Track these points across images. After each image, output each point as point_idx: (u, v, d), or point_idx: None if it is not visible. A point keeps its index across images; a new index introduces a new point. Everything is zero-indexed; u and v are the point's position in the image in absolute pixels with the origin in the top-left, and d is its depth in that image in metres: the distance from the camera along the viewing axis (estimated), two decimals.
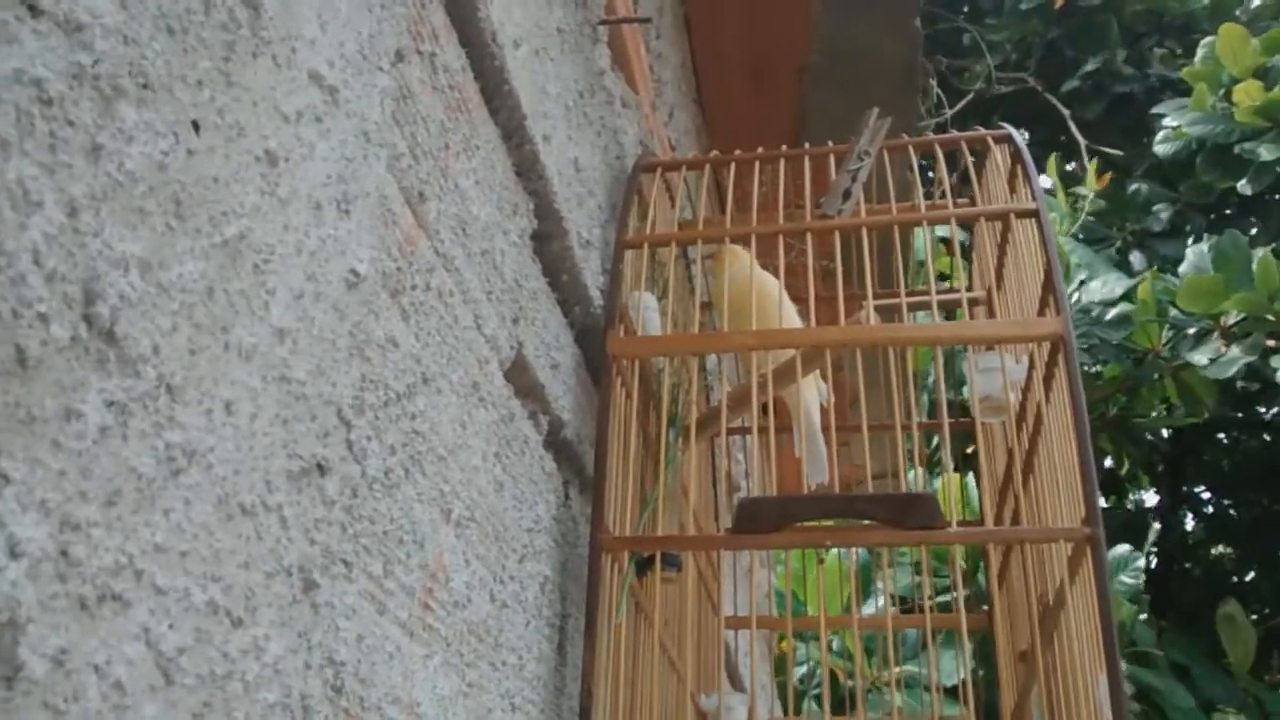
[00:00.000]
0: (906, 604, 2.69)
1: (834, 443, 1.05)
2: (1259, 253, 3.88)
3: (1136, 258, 4.89)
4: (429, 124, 0.72)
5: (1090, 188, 4.69)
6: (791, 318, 1.15)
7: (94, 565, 0.38)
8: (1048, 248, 1.02)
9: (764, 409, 1.16)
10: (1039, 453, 1.05)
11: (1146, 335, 4.14)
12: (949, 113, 5.02)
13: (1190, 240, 4.46)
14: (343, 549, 0.56)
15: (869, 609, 3.17)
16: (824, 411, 1.22)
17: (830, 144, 1.21)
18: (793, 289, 1.18)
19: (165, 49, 0.43)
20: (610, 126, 1.23)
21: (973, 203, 1.17)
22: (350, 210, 0.58)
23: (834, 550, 1.57)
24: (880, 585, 2.89)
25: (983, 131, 1.19)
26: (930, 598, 1.14)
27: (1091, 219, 4.85)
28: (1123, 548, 3.95)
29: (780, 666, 2.53)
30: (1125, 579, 3.82)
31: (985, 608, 1.25)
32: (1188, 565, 6.04)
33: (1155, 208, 5.11)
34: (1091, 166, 4.78)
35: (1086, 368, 4.31)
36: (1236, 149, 4.52)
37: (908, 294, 1.11)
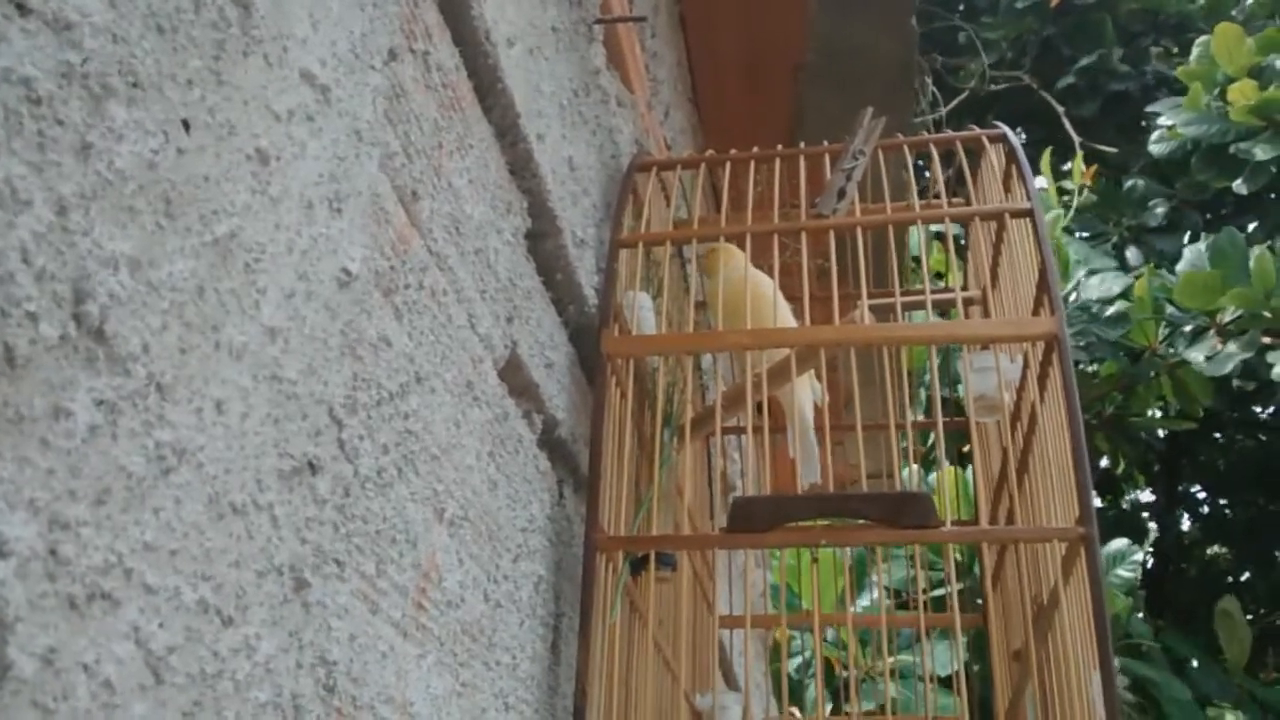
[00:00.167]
0: (901, 597, 2.69)
1: (828, 442, 1.05)
2: (1256, 250, 3.89)
3: (1133, 253, 4.90)
4: (422, 123, 0.71)
5: (1077, 180, 4.69)
6: (786, 317, 1.15)
7: (83, 564, 0.38)
8: (1042, 247, 1.02)
9: (759, 408, 1.16)
10: (1033, 452, 1.06)
11: (1143, 333, 4.15)
12: (944, 110, 5.02)
13: (1187, 236, 4.47)
14: (335, 548, 0.56)
15: (864, 601, 3.18)
16: (818, 411, 1.22)
17: (825, 143, 1.21)
18: (788, 288, 1.18)
19: (155, 47, 0.43)
20: (605, 125, 1.23)
21: (968, 202, 1.17)
22: (342, 209, 0.58)
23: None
24: (875, 579, 2.89)
25: (978, 131, 1.19)
26: (925, 591, 1.14)
27: (1087, 214, 4.85)
28: (1119, 542, 3.96)
29: (774, 653, 2.54)
30: (1122, 573, 3.83)
31: (980, 601, 1.25)
32: (1183, 565, 6.05)
33: (1151, 203, 5.12)
34: (1076, 159, 4.78)
35: (1083, 366, 4.32)
36: (1231, 149, 4.53)
37: (903, 293, 1.11)
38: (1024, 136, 5.79)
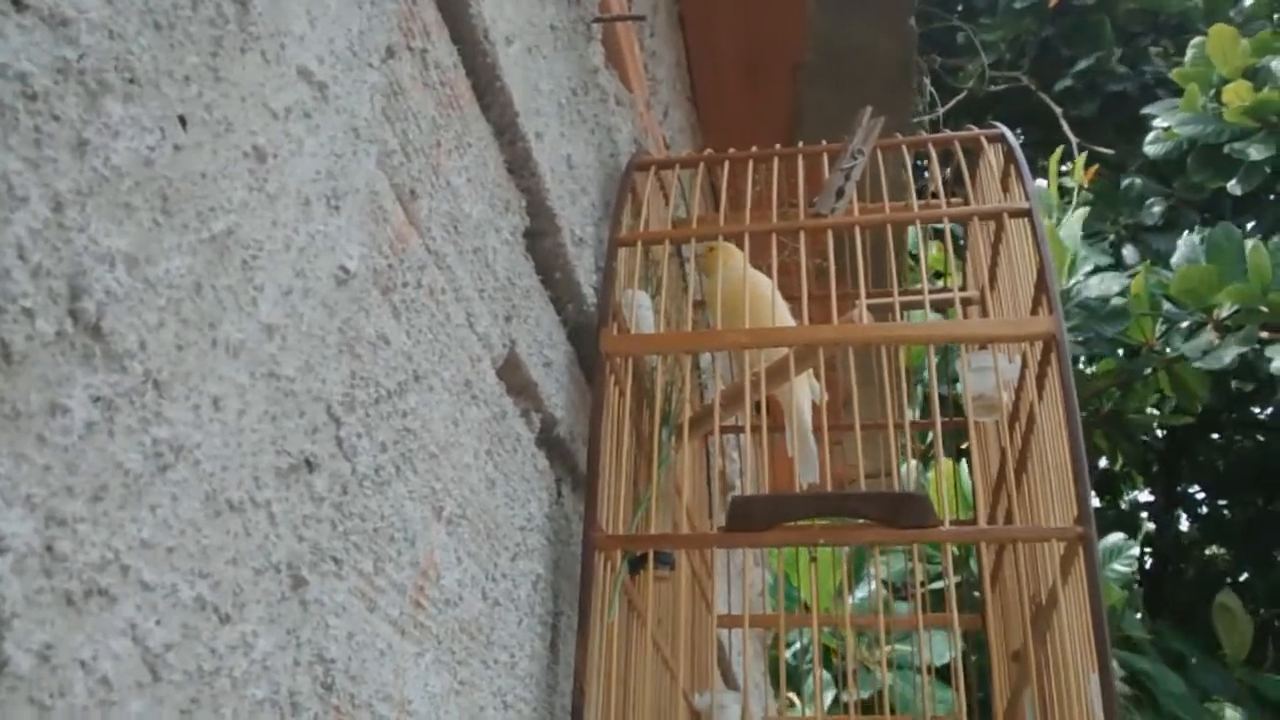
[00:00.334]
0: (899, 591, 2.69)
1: (826, 442, 1.05)
2: (1251, 244, 3.89)
3: (1130, 252, 4.90)
4: (420, 121, 0.71)
5: (1078, 180, 4.70)
6: (784, 316, 1.15)
7: (80, 561, 0.38)
8: (1040, 247, 1.02)
9: (757, 408, 1.16)
10: (1032, 452, 1.06)
11: (1140, 329, 4.15)
12: (942, 111, 5.02)
13: (1184, 235, 4.47)
14: (332, 546, 0.56)
15: (861, 592, 3.18)
16: (816, 410, 1.22)
17: (824, 142, 1.21)
18: (786, 288, 1.18)
19: (152, 44, 0.43)
20: (604, 124, 1.23)
21: (966, 202, 1.17)
22: (340, 207, 0.58)
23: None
24: (872, 571, 2.89)
25: (976, 131, 1.19)
26: (922, 584, 1.14)
27: (1086, 210, 4.86)
28: (1116, 536, 3.97)
29: (773, 641, 2.54)
30: (1118, 567, 3.84)
31: (977, 594, 1.25)
32: (1182, 566, 6.05)
33: (1149, 203, 5.12)
34: (1079, 160, 4.78)
35: (1081, 366, 4.32)
36: (1226, 149, 4.54)
37: (901, 293, 1.11)
38: (1022, 137, 5.79)
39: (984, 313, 1.23)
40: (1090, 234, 4.79)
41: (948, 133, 1.26)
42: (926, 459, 3.49)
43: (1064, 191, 4.65)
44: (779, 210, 1.12)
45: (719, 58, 1.86)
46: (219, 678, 0.45)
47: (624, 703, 0.99)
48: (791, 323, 1.16)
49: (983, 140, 1.17)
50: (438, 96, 0.75)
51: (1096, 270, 4.24)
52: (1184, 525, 6.26)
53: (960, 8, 6.12)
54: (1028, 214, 1.06)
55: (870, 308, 1.06)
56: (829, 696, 2.93)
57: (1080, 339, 4.03)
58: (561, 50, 1.08)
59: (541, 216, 0.98)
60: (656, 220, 1.22)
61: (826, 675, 3.02)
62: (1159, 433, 5.64)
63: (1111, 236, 5.04)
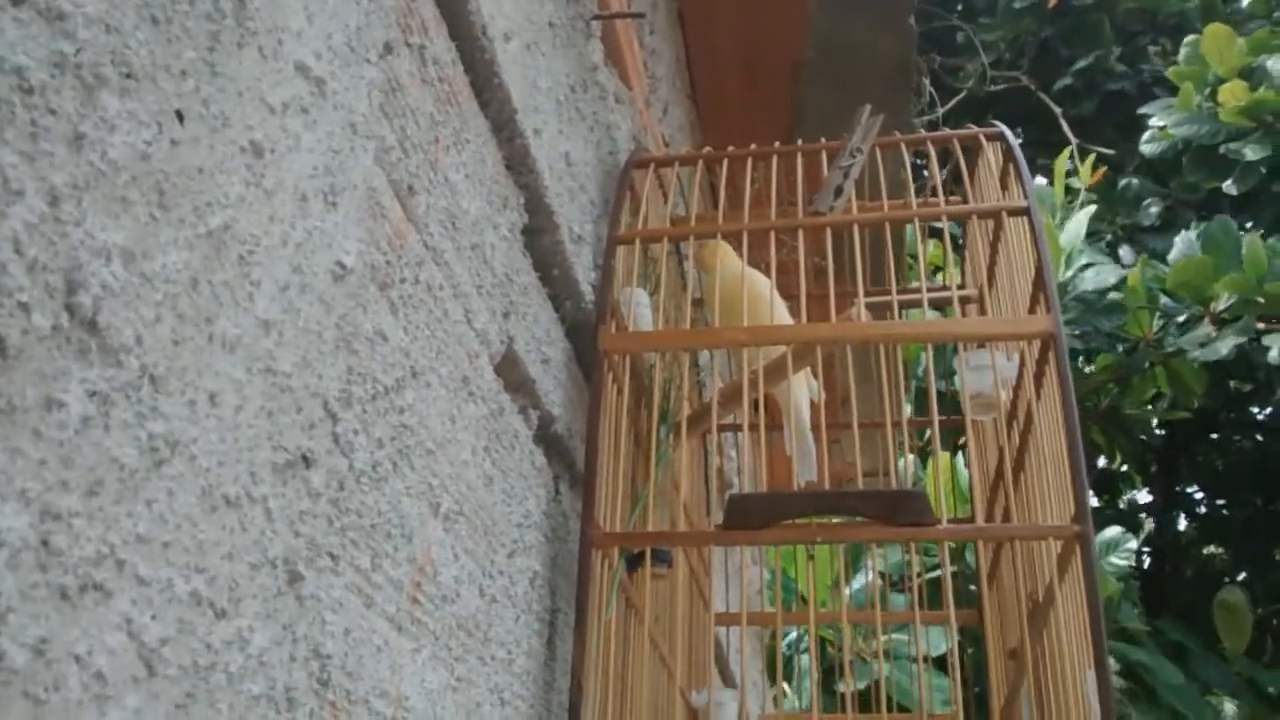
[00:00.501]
0: (896, 583, 2.69)
1: (824, 440, 1.05)
2: (1248, 236, 3.90)
3: (1126, 252, 4.91)
4: (418, 117, 0.71)
5: (1084, 181, 4.70)
6: (782, 314, 1.15)
7: (75, 555, 0.38)
8: (1039, 246, 1.02)
9: (756, 406, 1.16)
10: (1029, 450, 1.06)
11: (1138, 323, 4.15)
12: (941, 111, 5.02)
13: (1181, 233, 4.47)
14: (329, 542, 0.56)
15: (858, 583, 3.18)
16: (814, 408, 1.22)
17: (823, 141, 1.21)
18: (784, 286, 1.18)
19: (149, 38, 0.43)
20: (603, 122, 1.23)
21: (965, 201, 1.17)
22: (337, 202, 0.58)
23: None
24: (869, 563, 2.90)
25: (975, 129, 1.19)
26: (919, 574, 1.14)
27: (1093, 209, 4.86)
28: (1113, 530, 3.97)
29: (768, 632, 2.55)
30: (1115, 560, 3.85)
31: (974, 588, 1.25)
32: (1181, 565, 6.06)
33: (1146, 202, 5.12)
34: (1088, 162, 4.78)
35: (1079, 363, 4.32)
36: (1222, 149, 4.54)
37: (899, 291, 1.11)
38: (1022, 137, 5.79)
39: (982, 311, 1.23)
40: (1088, 234, 4.79)
41: (946, 131, 1.26)
42: (925, 454, 3.50)
43: (1070, 191, 4.66)
44: (778, 208, 1.12)
45: (719, 55, 1.86)
46: (214, 673, 0.45)
47: (621, 700, 0.99)
48: (790, 321, 1.16)
49: (981, 139, 1.17)
50: (436, 93, 0.75)
51: (1093, 264, 4.24)
52: (1182, 525, 6.27)
53: (960, 7, 6.12)
54: (1026, 212, 1.06)
55: (869, 306, 1.06)
56: (826, 685, 2.93)
57: (1077, 332, 4.03)
58: (560, 47, 1.08)
59: (540, 214, 0.98)
60: (655, 218, 1.22)
61: (823, 668, 3.03)
62: (1158, 432, 5.64)
63: (1109, 237, 5.04)
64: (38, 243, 0.37)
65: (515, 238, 0.93)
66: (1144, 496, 6.38)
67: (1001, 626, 1.21)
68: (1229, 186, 4.58)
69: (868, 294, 1.05)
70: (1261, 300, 3.83)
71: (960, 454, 3.07)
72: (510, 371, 0.90)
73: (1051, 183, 4.61)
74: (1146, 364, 4.24)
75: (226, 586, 0.46)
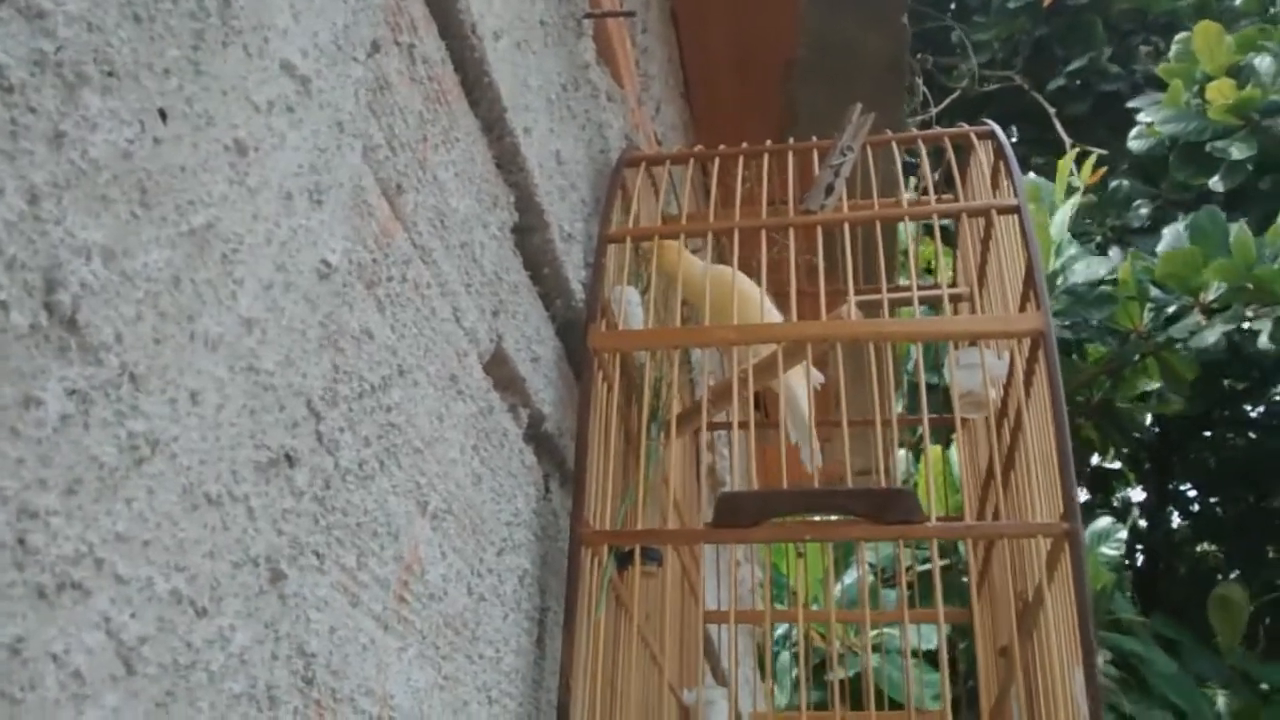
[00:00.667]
0: (889, 579, 2.69)
1: (816, 438, 1.05)
2: (1235, 226, 3.91)
3: (1115, 254, 4.91)
4: (407, 115, 0.71)
5: (1083, 181, 4.70)
6: (771, 312, 1.15)
7: (53, 554, 0.37)
8: (1029, 244, 1.02)
9: (753, 402, 1.16)
10: (1019, 448, 1.06)
11: (1128, 315, 4.16)
12: (934, 110, 5.02)
13: (1169, 226, 4.48)
14: (314, 540, 0.56)
15: (849, 578, 3.19)
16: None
17: (815, 139, 1.21)
18: (775, 284, 1.18)
19: (131, 36, 0.43)
20: (594, 120, 1.23)
21: (956, 199, 1.17)
22: (323, 201, 0.58)
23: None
24: (859, 558, 2.90)
25: (966, 128, 1.20)
26: (909, 569, 1.14)
27: (1079, 199, 4.86)
28: (1104, 520, 3.98)
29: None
30: (1106, 550, 3.86)
31: (964, 579, 1.25)
32: (1174, 563, 6.07)
33: (1135, 203, 5.13)
34: (1088, 162, 4.78)
35: (1070, 356, 4.32)
36: (1208, 147, 4.55)
37: (890, 289, 1.11)
38: (1015, 137, 5.80)
39: (973, 309, 1.23)
40: (1077, 234, 4.80)
41: (938, 129, 1.26)
42: (916, 450, 3.50)
43: (1071, 191, 4.66)
44: (769, 207, 1.12)
45: (711, 54, 1.86)
46: (195, 671, 0.45)
47: (611, 698, 0.99)
48: (778, 318, 1.16)
49: (973, 137, 1.17)
50: (425, 91, 0.75)
51: (1076, 259, 4.25)
52: (1175, 522, 6.28)
53: (953, 7, 6.12)
54: (1016, 211, 1.06)
55: (859, 304, 1.06)
56: (816, 678, 2.94)
57: (1067, 323, 4.04)
58: (551, 46, 1.08)
59: (530, 212, 0.98)
60: (647, 216, 1.21)
61: (814, 662, 3.03)
62: (1152, 430, 5.65)
63: (1099, 238, 5.05)
64: (16, 241, 0.37)
65: (505, 236, 0.92)
66: (1137, 494, 6.40)
67: (993, 624, 1.21)
68: (1215, 183, 4.58)
69: (859, 292, 1.06)
70: (1250, 287, 3.84)
71: (952, 445, 3.07)
72: (499, 370, 0.90)
73: (1053, 180, 4.60)
74: (1137, 356, 4.25)
75: (208, 585, 0.46)
